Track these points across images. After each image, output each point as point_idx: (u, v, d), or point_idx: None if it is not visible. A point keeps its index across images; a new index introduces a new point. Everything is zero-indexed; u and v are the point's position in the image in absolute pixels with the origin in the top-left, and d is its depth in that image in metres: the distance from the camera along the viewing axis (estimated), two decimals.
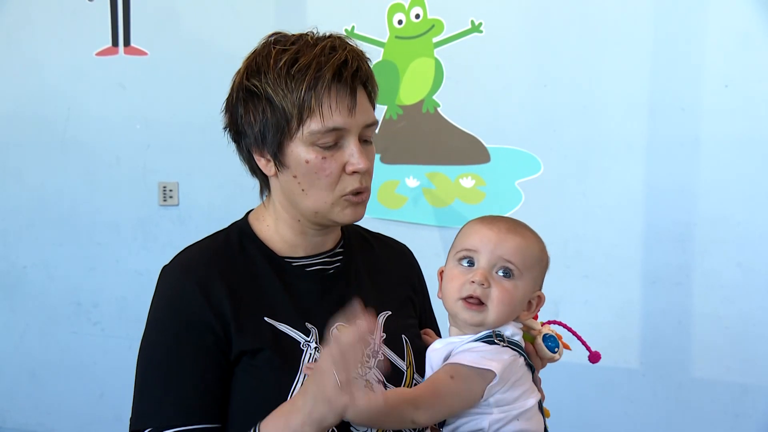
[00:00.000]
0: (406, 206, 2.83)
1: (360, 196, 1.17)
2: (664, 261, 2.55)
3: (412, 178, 2.82)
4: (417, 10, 2.76)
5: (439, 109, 2.77)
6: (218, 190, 3.05)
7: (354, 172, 1.14)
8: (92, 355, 3.19)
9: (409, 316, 1.31)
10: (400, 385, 1.17)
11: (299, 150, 1.12)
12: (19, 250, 3.26)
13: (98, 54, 3.11)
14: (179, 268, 1.18)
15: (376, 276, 1.30)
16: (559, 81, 2.63)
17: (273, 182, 1.20)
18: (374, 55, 2.79)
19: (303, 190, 1.15)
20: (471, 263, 1.14)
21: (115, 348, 3.14)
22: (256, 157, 1.18)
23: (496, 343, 1.10)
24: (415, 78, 2.78)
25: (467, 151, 2.75)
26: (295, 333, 1.15)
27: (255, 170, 1.22)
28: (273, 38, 1.17)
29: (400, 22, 2.79)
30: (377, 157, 2.81)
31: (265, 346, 1.11)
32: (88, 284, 3.19)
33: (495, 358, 1.07)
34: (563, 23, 2.62)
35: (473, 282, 1.11)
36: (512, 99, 2.68)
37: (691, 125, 2.49)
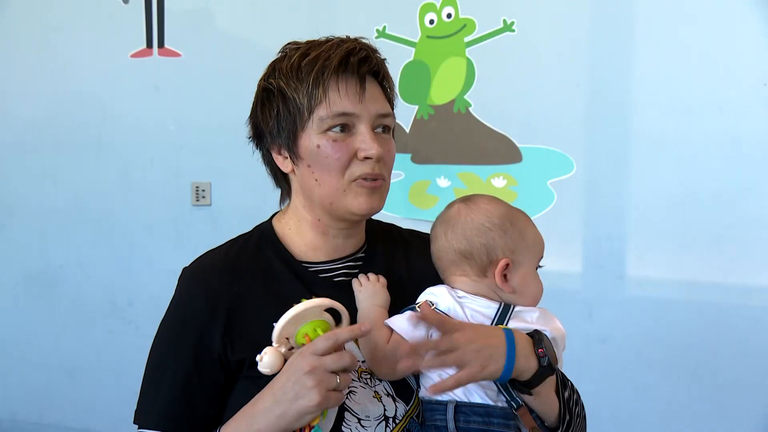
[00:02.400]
0: (438, 206, 2.81)
1: (374, 182, 1.14)
2: (701, 262, 2.51)
3: (443, 178, 2.81)
4: (449, 9, 2.75)
5: (470, 109, 2.75)
6: (250, 190, 3.06)
7: (366, 158, 1.13)
8: (127, 353, 3.22)
9: None
10: (409, 402, 1.15)
11: (311, 139, 1.13)
12: (56, 249, 3.31)
13: (133, 56, 3.14)
14: (192, 273, 1.20)
15: (399, 279, 1.26)
16: (592, 80, 2.60)
17: (292, 181, 1.21)
18: (406, 55, 2.79)
19: (317, 180, 1.14)
20: None
21: (149, 347, 3.17)
22: (274, 155, 1.19)
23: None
24: (447, 78, 2.77)
25: (499, 150, 2.73)
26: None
27: (277, 176, 1.23)
28: (289, 45, 1.20)
29: (431, 21, 2.78)
30: (408, 156, 2.80)
31: None
32: (123, 284, 3.24)
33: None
34: (596, 21, 2.59)
35: None
36: (544, 98, 2.66)
37: (729, 125, 2.44)
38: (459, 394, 1.07)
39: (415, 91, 2.78)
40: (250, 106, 1.23)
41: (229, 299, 1.14)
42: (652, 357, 2.58)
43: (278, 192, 1.28)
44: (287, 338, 1.05)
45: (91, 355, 3.30)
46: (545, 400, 1.11)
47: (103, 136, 3.21)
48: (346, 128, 1.13)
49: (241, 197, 3.07)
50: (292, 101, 1.13)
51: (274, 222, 1.26)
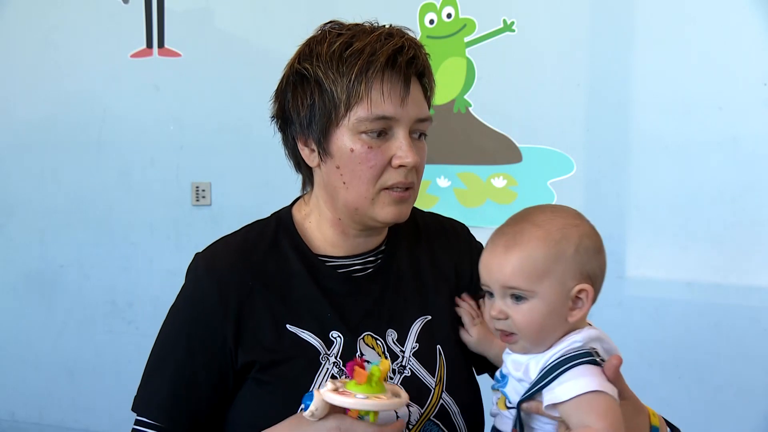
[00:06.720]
0: (437, 206, 2.82)
1: (405, 192, 1.09)
2: (701, 262, 2.51)
3: (443, 178, 2.81)
4: (449, 9, 2.75)
5: (470, 109, 2.75)
6: (250, 190, 3.06)
7: (400, 166, 1.07)
8: (127, 353, 3.23)
9: (452, 322, 1.20)
10: (424, 405, 1.10)
11: (345, 138, 1.06)
12: (56, 249, 3.31)
13: (133, 56, 3.14)
14: (205, 265, 1.14)
15: (422, 274, 1.20)
16: (592, 80, 2.60)
17: (316, 175, 1.14)
18: None
19: (344, 183, 1.08)
20: (491, 294, 1.05)
21: (150, 347, 3.17)
22: (300, 146, 1.12)
23: (598, 364, 1.04)
24: (447, 77, 2.77)
25: (499, 150, 2.73)
26: (317, 342, 1.10)
27: (299, 163, 1.16)
28: (329, 25, 1.14)
29: (431, 21, 2.78)
30: None
31: (280, 359, 1.08)
32: (123, 284, 3.24)
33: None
34: (596, 21, 2.59)
35: (493, 318, 1.04)
36: (544, 98, 2.66)
37: (729, 124, 2.44)
38: None
39: None
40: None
41: (242, 294, 1.10)
42: (652, 357, 2.58)
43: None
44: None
45: (91, 355, 3.30)
46: None
47: (103, 136, 3.21)
48: (382, 133, 1.06)
49: (241, 197, 3.07)
50: (329, 94, 1.05)
51: (294, 211, 1.19)
